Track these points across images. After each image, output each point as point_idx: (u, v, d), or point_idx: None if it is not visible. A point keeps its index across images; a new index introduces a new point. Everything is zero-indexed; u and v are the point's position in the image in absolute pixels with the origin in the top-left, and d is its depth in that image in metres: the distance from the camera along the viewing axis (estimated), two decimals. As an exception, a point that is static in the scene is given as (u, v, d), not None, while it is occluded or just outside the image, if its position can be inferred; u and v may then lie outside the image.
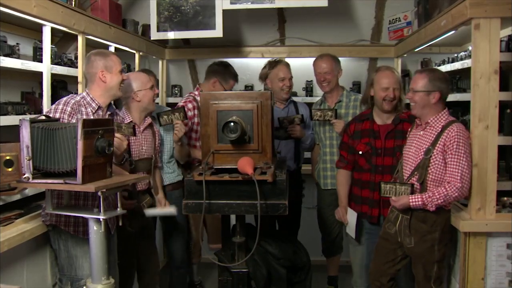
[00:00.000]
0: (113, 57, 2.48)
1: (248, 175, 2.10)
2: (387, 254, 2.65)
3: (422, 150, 2.50)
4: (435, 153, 2.44)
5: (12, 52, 2.47)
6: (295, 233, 3.58)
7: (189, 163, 3.38)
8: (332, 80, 3.34)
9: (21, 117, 2.31)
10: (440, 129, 2.46)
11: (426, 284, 2.51)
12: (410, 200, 2.44)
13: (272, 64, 3.48)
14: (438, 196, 2.39)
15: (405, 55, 4.01)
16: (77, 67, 2.89)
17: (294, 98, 4.33)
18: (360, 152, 2.91)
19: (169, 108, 3.20)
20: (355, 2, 4.15)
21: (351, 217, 2.98)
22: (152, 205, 2.92)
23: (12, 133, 2.30)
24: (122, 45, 3.43)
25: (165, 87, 4.43)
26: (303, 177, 4.25)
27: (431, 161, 2.45)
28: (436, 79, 2.49)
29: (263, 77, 3.53)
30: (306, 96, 4.46)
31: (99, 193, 2.01)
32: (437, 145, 2.44)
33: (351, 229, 3.01)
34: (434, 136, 2.47)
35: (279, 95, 3.42)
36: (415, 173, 2.51)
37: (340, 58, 4.02)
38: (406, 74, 4.42)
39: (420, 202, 2.42)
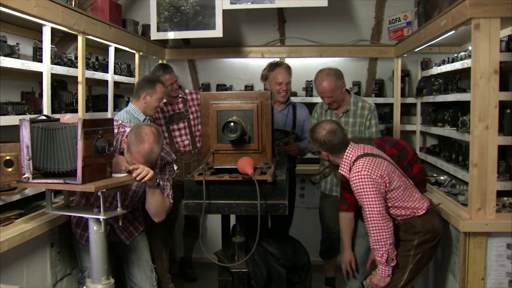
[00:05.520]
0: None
1: (248, 175, 2.10)
2: None
3: None
4: None
5: (12, 52, 2.47)
6: (287, 230, 3.57)
7: None
8: (338, 98, 3.16)
9: (21, 117, 2.31)
10: (348, 176, 2.50)
11: None
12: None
13: (271, 67, 3.47)
14: (374, 248, 2.42)
15: (405, 55, 4.01)
16: (77, 67, 2.88)
17: (294, 98, 4.35)
18: None
19: None
20: (355, 2, 4.15)
21: None
22: None
23: (12, 133, 2.30)
24: (122, 45, 3.43)
25: (165, 87, 4.43)
26: (303, 177, 4.26)
27: None
28: (315, 141, 2.55)
29: (263, 78, 3.53)
30: (306, 96, 4.46)
31: (99, 193, 2.01)
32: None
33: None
34: None
35: (276, 98, 3.42)
36: None
37: (340, 58, 4.05)
38: (406, 74, 4.42)
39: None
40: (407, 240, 2.50)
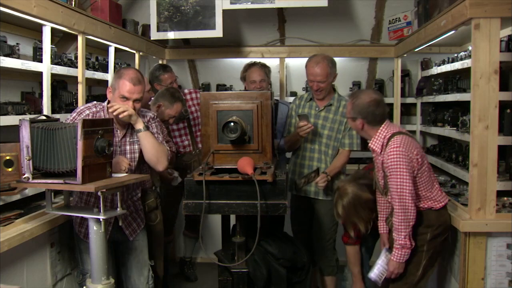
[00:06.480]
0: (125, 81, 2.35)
1: (248, 175, 2.10)
2: None
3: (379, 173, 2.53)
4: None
5: (12, 52, 2.47)
6: (281, 228, 3.47)
7: None
8: (327, 86, 3.06)
9: (21, 117, 2.31)
10: (379, 151, 2.48)
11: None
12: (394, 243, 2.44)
13: (246, 67, 3.47)
14: (398, 229, 2.37)
15: (405, 55, 4.01)
16: (77, 67, 2.88)
17: (294, 98, 4.35)
18: None
19: None
20: (355, 2, 4.15)
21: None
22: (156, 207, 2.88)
23: (12, 133, 2.30)
24: (122, 45, 3.43)
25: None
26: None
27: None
28: (356, 106, 2.51)
29: (242, 79, 3.51)
30: (306, 96, 4.45)
31: (99, 193, 2.01)
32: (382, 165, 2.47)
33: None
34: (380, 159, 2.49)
35: None
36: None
37: (340, 58, 4.02)
38: (406, 74, 4.42)
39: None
40: (419, 234, 2.47)
